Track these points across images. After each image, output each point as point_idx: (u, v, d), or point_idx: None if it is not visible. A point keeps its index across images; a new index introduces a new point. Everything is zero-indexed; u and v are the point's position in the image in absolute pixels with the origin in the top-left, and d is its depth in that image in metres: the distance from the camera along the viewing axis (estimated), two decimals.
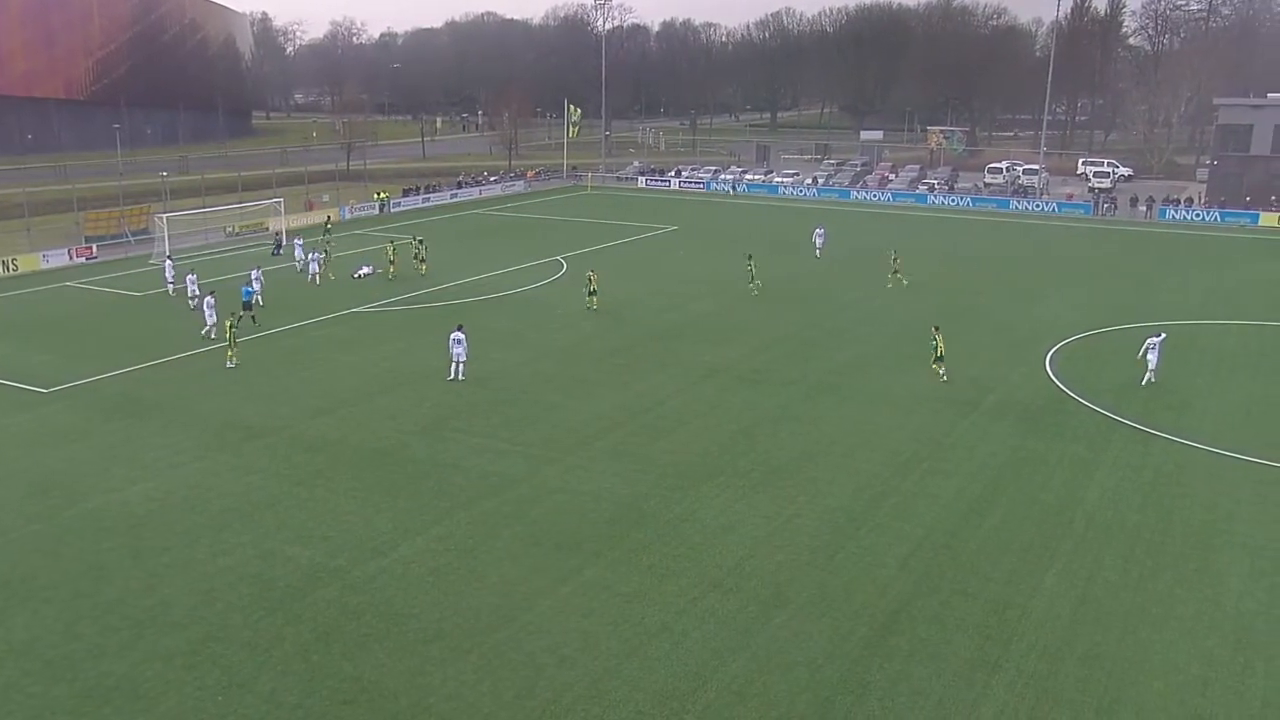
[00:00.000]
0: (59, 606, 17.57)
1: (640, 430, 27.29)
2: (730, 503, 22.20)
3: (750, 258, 44.71)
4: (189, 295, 40.51)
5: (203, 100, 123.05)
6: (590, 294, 40.11)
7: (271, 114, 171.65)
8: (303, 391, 30.95)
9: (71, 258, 51.81)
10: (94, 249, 53.36)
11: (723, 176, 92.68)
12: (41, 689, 14.82)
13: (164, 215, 52.60)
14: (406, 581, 18.57)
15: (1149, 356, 29.99)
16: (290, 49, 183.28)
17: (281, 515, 21.46)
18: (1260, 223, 68.48)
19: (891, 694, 14.74)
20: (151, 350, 35.26)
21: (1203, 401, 29.78)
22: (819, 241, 52.79)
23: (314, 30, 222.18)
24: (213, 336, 35.17)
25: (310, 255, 48.32)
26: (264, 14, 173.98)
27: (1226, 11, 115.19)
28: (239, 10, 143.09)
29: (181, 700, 14.46)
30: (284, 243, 52.31)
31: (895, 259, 47.79)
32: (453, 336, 31.25)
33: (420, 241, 36.14)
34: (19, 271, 48.34)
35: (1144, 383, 30.05)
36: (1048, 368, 33.42)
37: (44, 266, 49.79)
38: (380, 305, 43.98)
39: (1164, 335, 31.02)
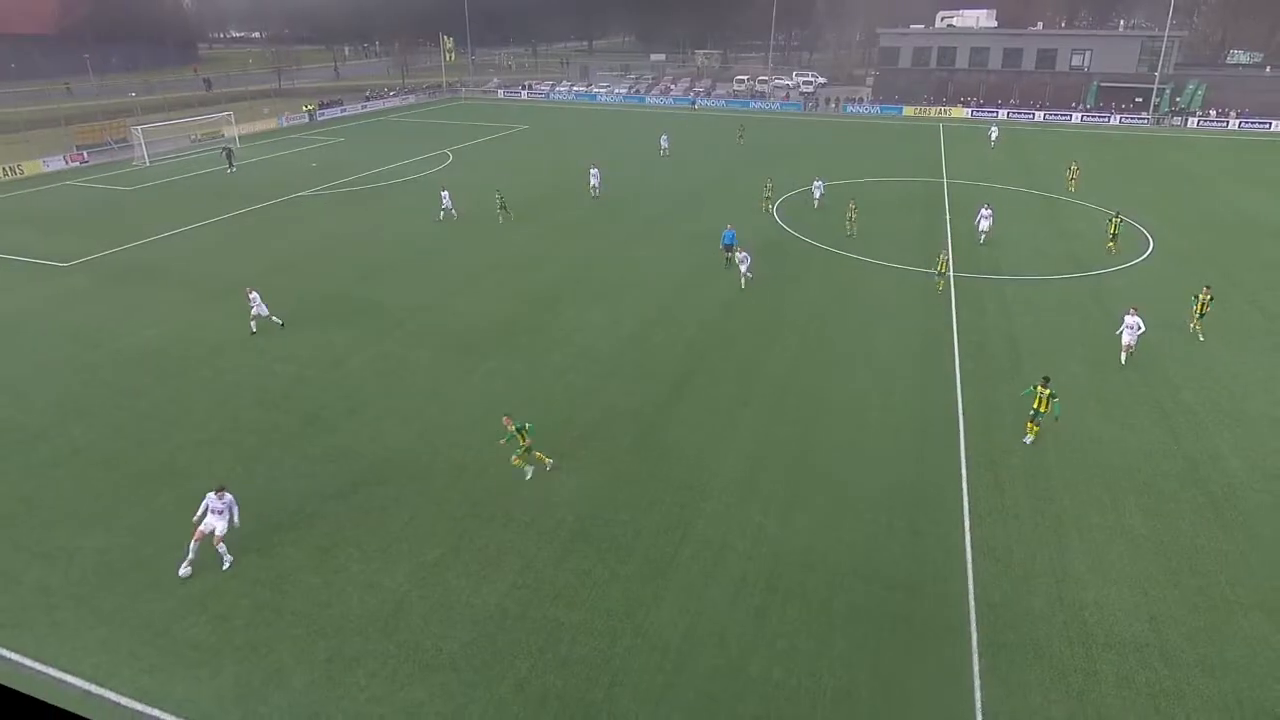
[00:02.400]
0: (105, 418, 18.76)
1: (513, 270, 29.52)
2: (579, 312, 25.25)
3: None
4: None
5: (155, 34, 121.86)
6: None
7: (214, 45, 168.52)
8: (267, 255, 31.33)
9: (67, 163, 50.41)
10: (85, 155, 51.84)
11: (558, 88, 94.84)
12: (100, 475, 16.38)
13: (139, 127, 52.60)
14: (362, 380, 20.75)
15: (982, 224, 32.04)
16: None
17: (264, 344, 22.80)
18: (904, 113, 76.42)
19: (686, 421, 18.78)
20: (147, 231, 34.73)
21: (868, 233, 33.59)
22: (664, 143, 53.57)
23: None
24: None
25: None
26: None
27: None
28: None
29: (210, 474, 16.25)
30: (235, 156, 49.45)
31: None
32: (443, 193, 35.82)
33: (500, 195, 35.44)
34: (24, 175, 47.15)
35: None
36: (775, 216, 37.38)
37: (45, 170, 48.55)
38: (316, 190, 42.82)
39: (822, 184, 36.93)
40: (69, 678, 11.39)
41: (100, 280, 28.45)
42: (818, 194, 36.52)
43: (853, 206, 34.02)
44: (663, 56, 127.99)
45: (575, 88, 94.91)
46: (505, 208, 35.19)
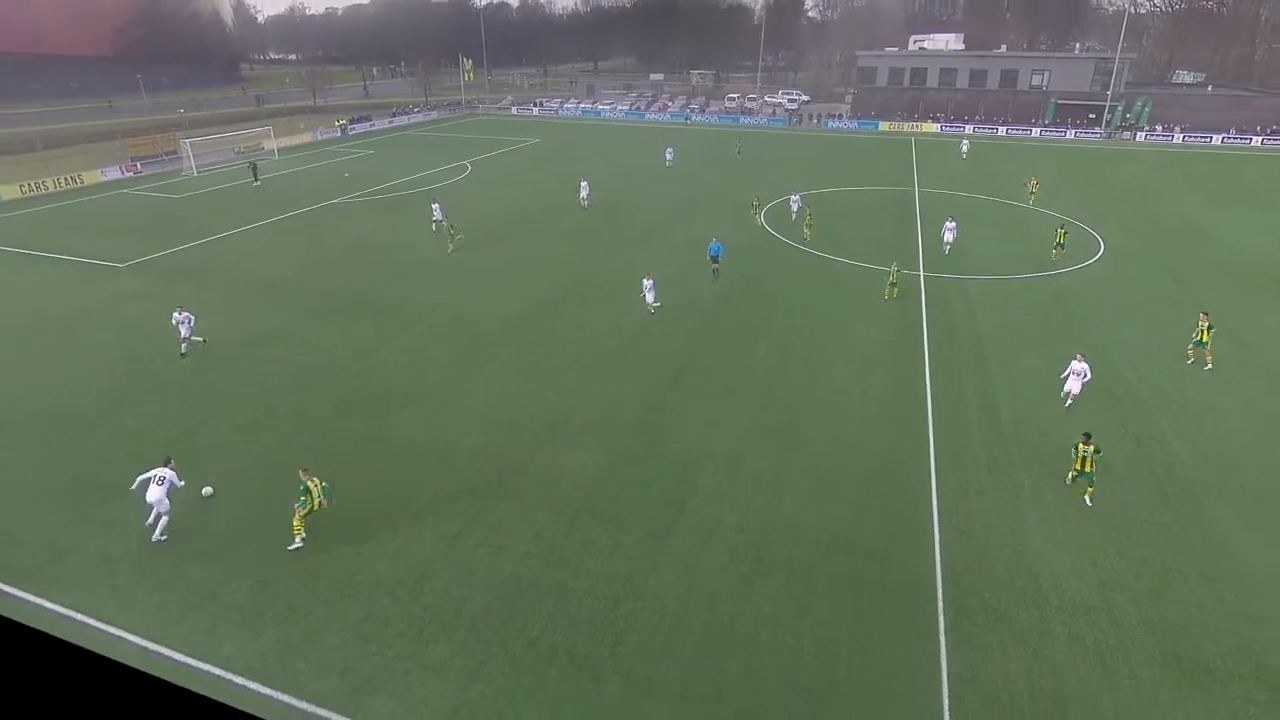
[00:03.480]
0: (155, 405, 18.79)
1: (517, 273, 29.28)
2: (579, 312, 25.09)
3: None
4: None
5: (201, 56, 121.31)
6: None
7: (254, 66, 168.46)
8: (303, 256, 31.17)
9: (123, 172, 49.88)
10: (139, 166, 51.24)
11: (566, 105, 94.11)
12: (152, 455, 16.26)
13: (188, 140, 52.10)
14: (387, 370, 20.74)
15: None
16: (261, 18, 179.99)
17: (301, 336, 22.78)
18: (880, 128, 75.53)
19: (681, 409, 18.82)
20: (194, 235, 34.51)
21: (848, 237, 33.55)
22: (669, 155, 52.95)
23: (277, 7, 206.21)
24: None
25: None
26: None
27: None
28: None
29: (250, 455, 16.44)
30: (260, 170, 48.07)
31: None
32: (434, 205, 34.93)
33: (450, 223, 31.94)
34: (84, 184, 46.74)
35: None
36: (762, 221, 37.11)
37: (102, 179, 48.10)
38: (347, 198, 42.53)
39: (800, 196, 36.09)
40: (130, 636, 11.47)
41: (151, 280, 28.36)
42: (795, 207, 36.21)
43: (810, 214, 34.00)
44: (661, 76, 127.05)
45: (582, 104, 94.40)
46: (453, 234, 31.25)
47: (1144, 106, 71.27)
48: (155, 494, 13.47)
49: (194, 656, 11.10)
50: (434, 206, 34.91)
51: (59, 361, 20.98)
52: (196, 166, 50.93)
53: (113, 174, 49.01)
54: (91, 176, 47.53)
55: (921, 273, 28.56)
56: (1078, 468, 14.80)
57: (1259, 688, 10.73)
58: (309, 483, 13.43)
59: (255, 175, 46.95)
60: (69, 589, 12.43)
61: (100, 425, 17.69)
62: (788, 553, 13.38)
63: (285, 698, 10.47)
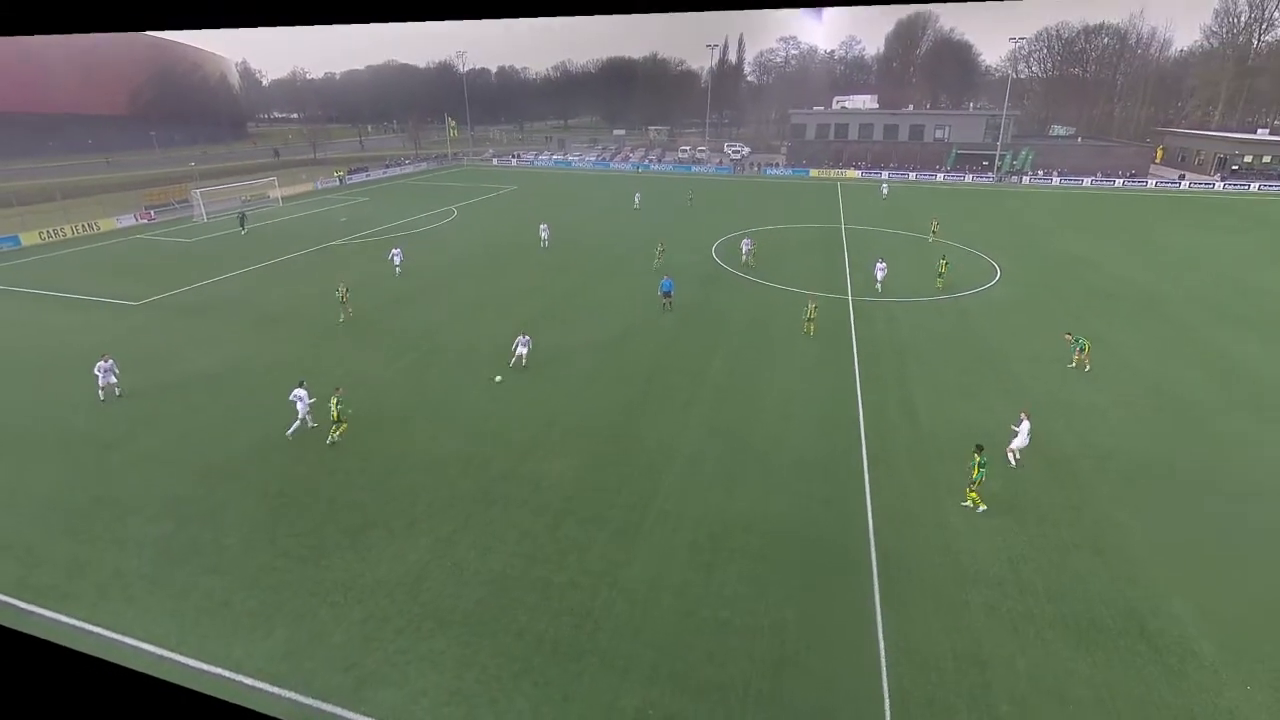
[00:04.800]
0: (170, 427, 18.05)
1: (507, 301, 28.91)
2: (562, 333, 24.84)
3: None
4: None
5: (210, 115, 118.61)
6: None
7: (259, 124, 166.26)
8: (306, 292, 30.12)
9: (137, 219, 47.81)
10: (152, 213, 49.03)
11: (540, 157, 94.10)
12: (166, 474, 15.81)
13: (198, 190, 50.32)
14: (388, 390, 20.28)
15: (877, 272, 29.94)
16: (265, 82, 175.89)
17: (305, 365, 21.96)
18: (810, 174, 76.39)
19: (647, 417, 18.79)
20: (205, 274, 33.25)
21: (786, 267, 34.10)
22: (637, 199, 52.99)
23: (278, 72, 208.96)
24: None
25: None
26: (244, 60, 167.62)
27: (795, 56, 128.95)
28: (226, 56, 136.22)
29: (261, 472, 15.88)
30: (248, 219, 46.01)
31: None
32: (393, 251, 33.34)
33: (343, 287, 30.82)
34: (100, 230, 44.84)
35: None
36: (713, 254, 37.69)
37: (118, 226, 46.16)
38: (346, 239, 41.69)
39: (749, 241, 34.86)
40: (145, 645, 10.88)
41: (165, 316, 27.30)
42: (745, 248, 35.17)
43: (748, 246, 34.59)
44: (623, 131, 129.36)
45: (554, 156, 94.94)
46: (345, 301, 26.05)
47: (1027, 155, 74.62)
48: (299, 405, 17.12)
49: (206, 661, 10.58)
50: (394, 253, 33.14)
51: (77, 390, 19.98)
52: (207, 213, 49.44)
53: (128, 221, 47.10)
54: (107, 224, 45.73)
55: (850, 296, 29.20)
56: (974, 475, 14.14)
57: (1142, 641, 11.08)
58: (335, 399, 16.68)
59: (242, 225, 44.50)
60: (85, 604, 11.75)
61: (117, 448, 16.89)
62: (743, 542, 13.40)
63: (294, 695, 10.04)
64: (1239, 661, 10.68)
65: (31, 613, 11.58)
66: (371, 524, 13.95)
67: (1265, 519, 14.07)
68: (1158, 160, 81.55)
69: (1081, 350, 21.30)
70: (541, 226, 39.80)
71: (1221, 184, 67.21)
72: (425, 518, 14.18)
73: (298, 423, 17.46)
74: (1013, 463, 15.74)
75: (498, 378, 20.68)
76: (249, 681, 10.24)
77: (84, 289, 30.99)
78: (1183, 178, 70.13)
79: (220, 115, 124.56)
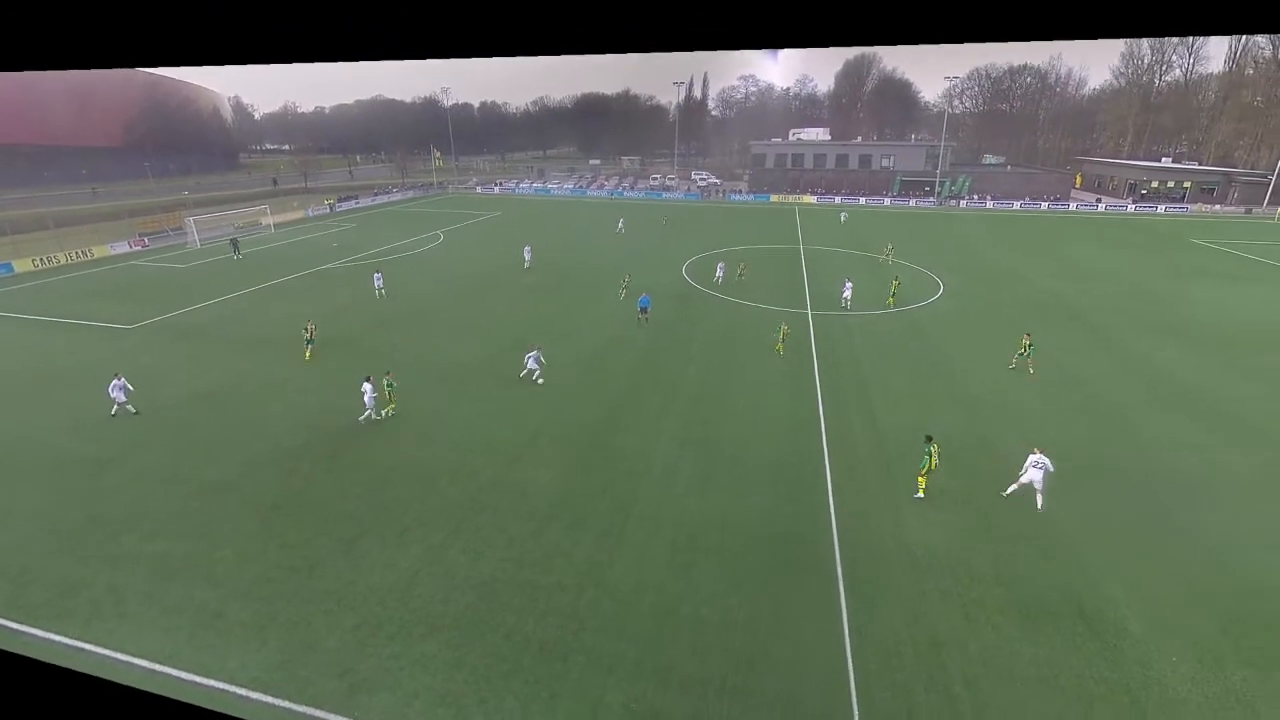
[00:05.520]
0: (165, 446, 17.34)
1: (493, 321, 28.41)
2: (562, 352, 24.09)
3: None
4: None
5: (203, 146, 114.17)
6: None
7: (252, 155, 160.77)
8: (299, 313, 28.89)
9: (130, 246, 45.92)
10: (146, 240, 47.41)
11: (521, 185, 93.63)
12: (161, 492, 15.17)
13: (191, 217, 49.30)
14: (378, 405, 19.54)
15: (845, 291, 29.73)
16: (257, 115, 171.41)
17: (296, 385, 21.33)
18: (771, 200, 77.15)
19: (626, 426, 18.62)
20: (198, 298, 32.17)
21: (751, 285, 34.07)
22: (620, 225, 52.98)
23: (270, 106, 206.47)
24: None
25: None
26: (237, 95, 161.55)
27: (754, 92, 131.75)
28: (219, 91, 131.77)
29: (256, 486, 15.32)
30: (240, 245, 44.82)
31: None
32: (375, 275, 32.28)
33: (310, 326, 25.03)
34: (93, 257, 42.84)
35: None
36: (684, 274, 37.86)
37: (112, 253, 44.10)
38: (336, 264, 40.58)
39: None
40: (138, 660, 10.34)
41: (159, 338, 26.28)
42: (719, 272, 35.33)
43: (722, 268, 34.92)
44: (598, 161, 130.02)
45: (535, 184, 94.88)
46: (312, 340, 23.64)
47: (964, 181, 77.07)
48: (366, 397, 17.92)
49: (201, 674, 10.09)
50: (375, 276, 31.89)
51: (71, 411, 19.14)
52: (201, 240, 48.00)
53: (121, 248, 45.26)
54: (101, 250, 43.81)
55: (809, 311, 29.61)
56: (932, 466, 14.49)
57: (1081, 622, 11.29)
58: (385, 380, 18.33)
59: (236, 250, 43.33)
60: (78, 622, 11.13)
61: (111, 467, 16.14)
62: (718, 541, 13.35)
63: (288, 704, 9.62)
64: (1166, 637, 10.95)
65: (22, 633, 10.93)
66: (364, 533, 13.55)
67: (1186, 507, 14.54)
68: (1078, 185, 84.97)
69: (1025, 355, 21.76)
70: (525, 249, 39.56)
71: (1133, 206, 70.35)
72: (416, 526, 13.82)
73: (369, 410, 18.16)
74: (1040, 505, 14.16)
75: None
76: (243, 692, 9.79)
77: (77, 313, 29.77)
78: (1099, 201, 73.23)
79: (213, 146, 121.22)
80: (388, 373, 19.02)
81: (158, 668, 10.18)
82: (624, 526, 13.88)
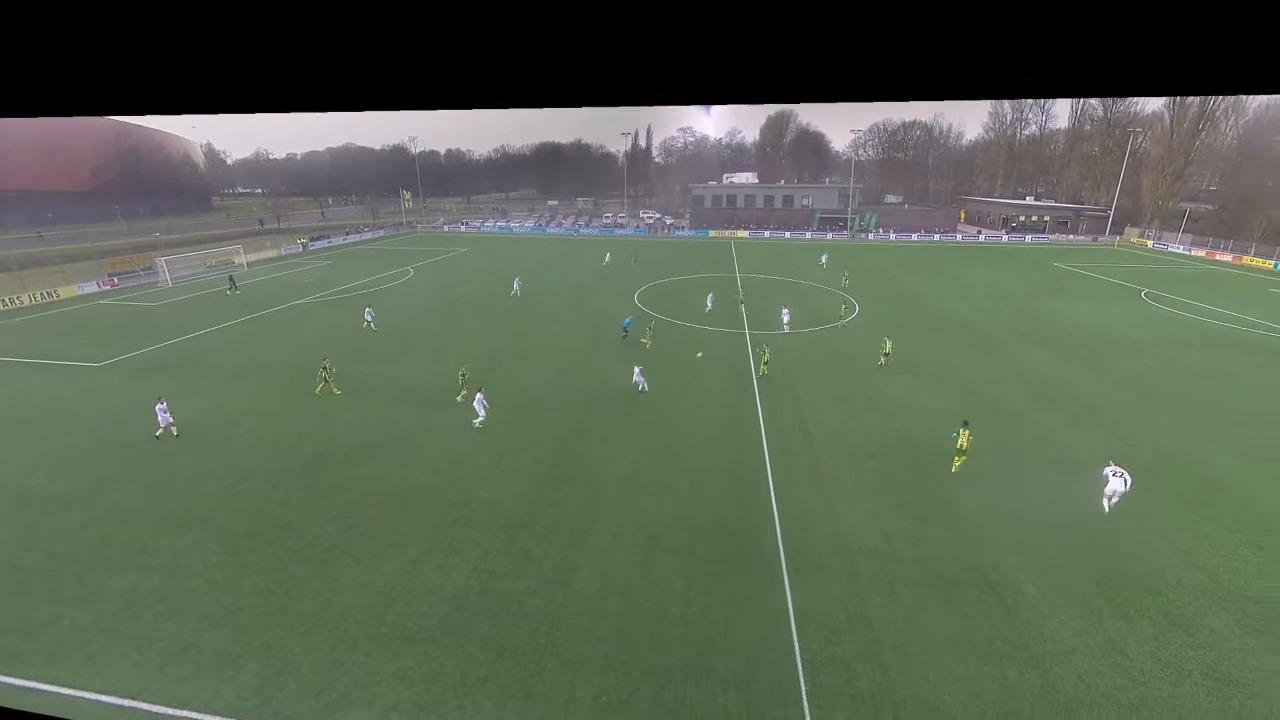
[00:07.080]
0: (133, 482, 15.85)
1: (467, 345, 27.35)
2: (514, 370, 23.73)
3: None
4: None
5: (173, 190, 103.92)
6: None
7: (224, 198, 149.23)
8: (273, 347, 27.43)
9: (99, 286, 42.06)
10: (115, 280, 43.27)
11: (486, 224, 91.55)
12: (128, 527, 13.88)
13: (163, 258, 46.08)
14: (352, 431, 18.67)
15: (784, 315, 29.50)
16: (229, 160, 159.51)
17: (276, 413, 19.97)
18: (709, 235, 79.14)
19: (589, 438, 18.28)
20: (170, 335, 29.70)
21: (693, 308, 33.36)
22: (608, 258, 51.52)
23: (242, 152, 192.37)
24: None
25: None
26: (209, 141, 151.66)
27: (691, 142, 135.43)
28: (190, 139, 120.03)
29: (227, 515, 14.25)
30: (237, 280, 42.55)
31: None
32: (366, 310, 31.32)
33: (326, 364, 27.30)
34: (59, 298, 39.03)
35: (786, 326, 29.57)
36: (635, 300, 37.82)
37: (79, 293, 40.31)
38: (310, 299, 38.42)
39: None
40: (105, 697, 9.29)
41: (129, 375, 24.16)
42: (710, 302, 33.48)
43: (712, 298, 34.34)
44: (556, 201, 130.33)
45: (498, 223, 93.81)
46: (328, 378, 21.59)
47: (871, 217, 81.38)
48: (479, 407, 18.00)
49: (171, 705, 9.16)
50: (366, 311, 30.87)
51: (34, 450, 17.29)
52: (172, 279, 44.81)
53: (90, 288, 41.53)
54: (68, 291, 40.03)
55: (747, 331, 30.26)
56: (960, 446, 15.40)
57: (986, 589, 11.77)
58: (462, 371, 19.48)
59: (233, 285, 41.41)
60: (38, 663, 9.93)
61: (75, 506, 14.63)
62: (674, 540, 13.27)
63: None
64: (1056, 597, 11.56)
65: None
66: (338, 555, 12.75)
67: (1063, 487, 15.51)
68: (962, 220, 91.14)
69: (886, 353, 23.60)
70: (515, 280, 39.61)
71: (1006, 237, 76.10)
72: (390, 545, 13.12)
73: (482, 414, 18.37)
74: (1107, 508, 13.86)
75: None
76: None
77: (43, 353, 27.10)
78: (980, 232, 78.89)
79: (184, 190, 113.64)
80: (464, 362, 20.78)
81: (127, 703, 9.18)
82: (589, 532, 13.55)
